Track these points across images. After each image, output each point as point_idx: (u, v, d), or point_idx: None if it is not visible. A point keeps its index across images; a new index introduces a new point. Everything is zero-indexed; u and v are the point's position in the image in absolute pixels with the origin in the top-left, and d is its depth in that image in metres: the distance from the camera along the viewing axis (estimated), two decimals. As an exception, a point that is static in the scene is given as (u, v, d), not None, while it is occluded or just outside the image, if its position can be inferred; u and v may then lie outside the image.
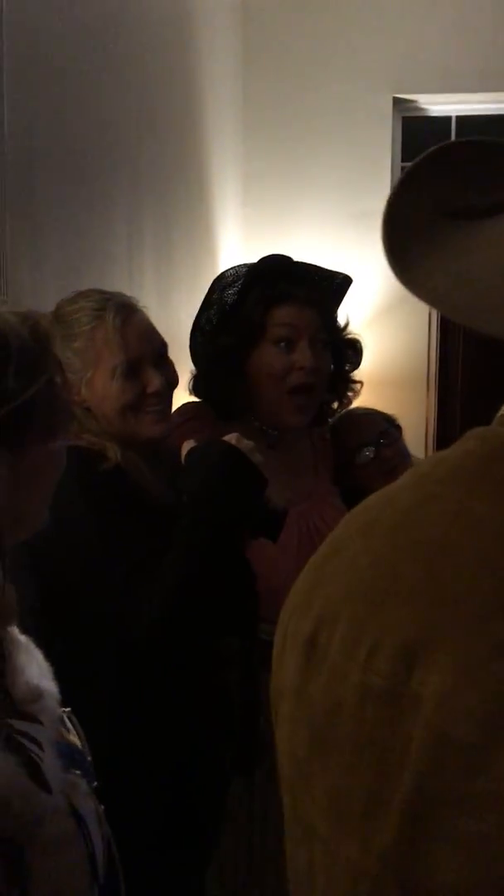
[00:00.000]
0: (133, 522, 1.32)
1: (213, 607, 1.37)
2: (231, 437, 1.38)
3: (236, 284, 1.72)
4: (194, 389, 1.71)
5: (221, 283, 1.76)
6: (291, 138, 3.95)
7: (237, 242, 3.91)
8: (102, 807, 0.89)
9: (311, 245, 3.90)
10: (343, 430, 1.96)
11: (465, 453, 0.55)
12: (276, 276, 1.71)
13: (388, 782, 0.48)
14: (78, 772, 0.85)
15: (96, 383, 1.36)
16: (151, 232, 2.58)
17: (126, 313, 1.39)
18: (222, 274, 1.78)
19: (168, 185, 2.78)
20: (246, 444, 1.36)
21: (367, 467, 1.88)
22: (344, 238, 3.82)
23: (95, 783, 0.90)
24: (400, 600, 0.50)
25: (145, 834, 1.34)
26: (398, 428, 2.00)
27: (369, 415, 2.02)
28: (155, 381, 1.38)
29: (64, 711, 0.93)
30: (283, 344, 1.64)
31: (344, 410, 1.95)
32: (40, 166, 1.76)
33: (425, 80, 3.90)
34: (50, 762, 0.78)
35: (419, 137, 4.10)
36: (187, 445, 1.40)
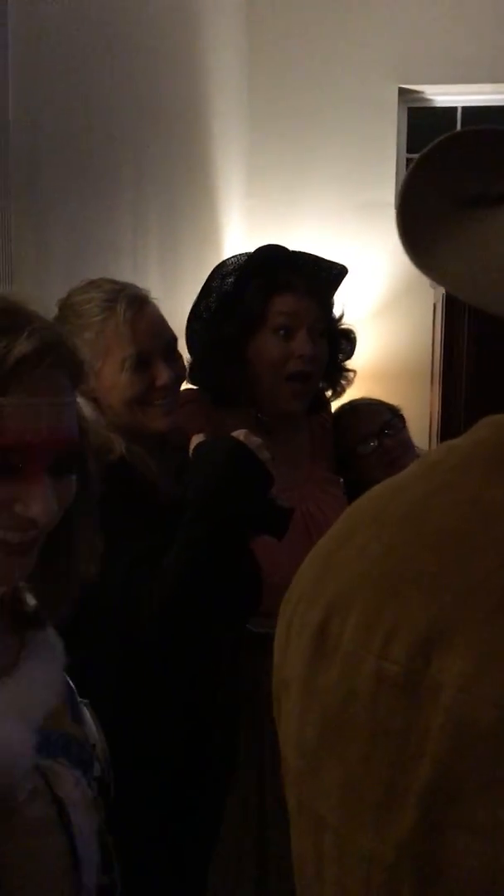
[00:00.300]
0: (136, 516, 1.32)
1: (216, 602, 1.37)
2: (240, 433, 1.38)
3: (236, 273, 1.73)
4: (191, 377, 1.70)
5: (221, 270, 1.76)
6: (296, 129, 3.94)
7: (242, 233, 3.91)
8: (100, 798, 0.89)
9: (316, 236, 3.90)
10: (346, 420, 1.96)
11: (478, 441, 0.55)
12: (277, 266, 1.72)
13: (404, 771, 0.47)
14: (64, 760, 0.84)
15: (105, 374, 1.36)
16: (156, 223, 2.58)
17: (137, 305, 1.39)
18: (223, 262, 1.78)
19: (173, 177, 2.78)
20: (254, 441, 1.36)
21: (369, 458, 1.88)
22: (349, 229, 3.82)
23: (98, 775, 0.90)
24: (415, 589, 0.50)
25: (145, 826, 1.35)
26: (402, 419, 2.00)
27: (373, 405, 2.02)
28: (164, 375, 1.39)
29: (82, 701, 0.94)
30: (282, 332, 1.66)
31: (349, 401, 1.96)
32: (45, 158, 1.76)
33: (430, 71, 3.89)
34: (16, 747, 0.77)
35: (424, 128, 4.09)
36: (196, 439, 1.40)
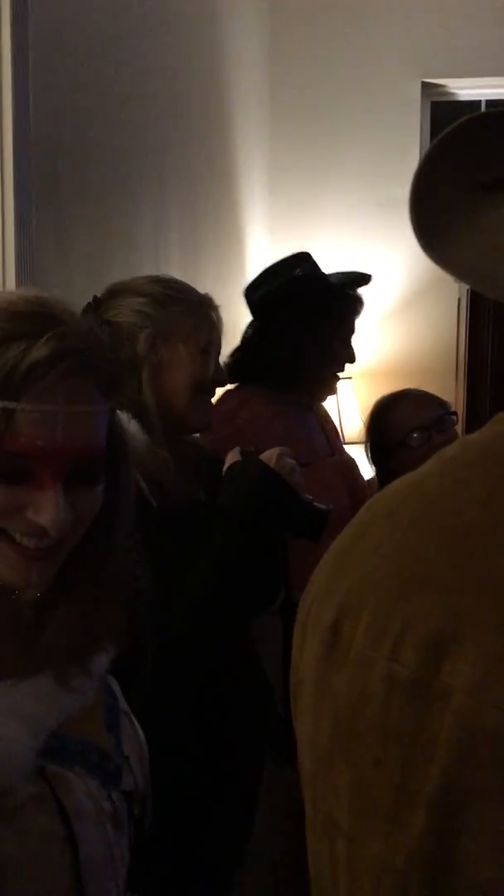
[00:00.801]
0: (152, 527, 1.33)
1: (243, 618, 1.39)
2: (272, 456, 1.40)
3: (330, 285, 1.98)
4: (258, 367, 1.91)
5: (310, 263, 2.00)
6: (318, 125, 3.92)
7: (264, 231, 3.89)
8: (128, 813, 0.86)
9: (339, 232, 3.88)
10: (399, 408, 1.94)
11: (494, 436, 0.54)
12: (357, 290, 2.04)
13: (415, 776, 0.47)
14: (79, 768, 0.82)
15: (186, 350, 1.40)
16: (177, 222, 2.57)
17: (218, 312, 1.49)
18: (315, 266, 2.01)
19: (194, 174, 2.77)
20: (286, 464, 1.39)
21: (415, 450, 1.85)
22: (371, 225, 3.80)
23: (129, 789, 0.87)
24: (427, 589, 0.49)
25: (177, 824, 1.34)
26: (454, 415, 1.98)
27: (426, 397, 2.01)
28: (223, 375, 1.49)
29: (124, 711, 0.92)
30: (348, 339, 2.00)
31: (399, 391, 2.06)
32: (66, 158, 1.76)
33: (454, 65, 3.85)
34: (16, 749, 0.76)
35: (448, 122, 4.05)
36: (231, 457, 1.42)
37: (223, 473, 1.41)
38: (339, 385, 2.12)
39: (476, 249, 0.54)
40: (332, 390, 2.05)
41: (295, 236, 3.96)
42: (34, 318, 0.77)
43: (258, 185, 3.79)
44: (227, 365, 1.84)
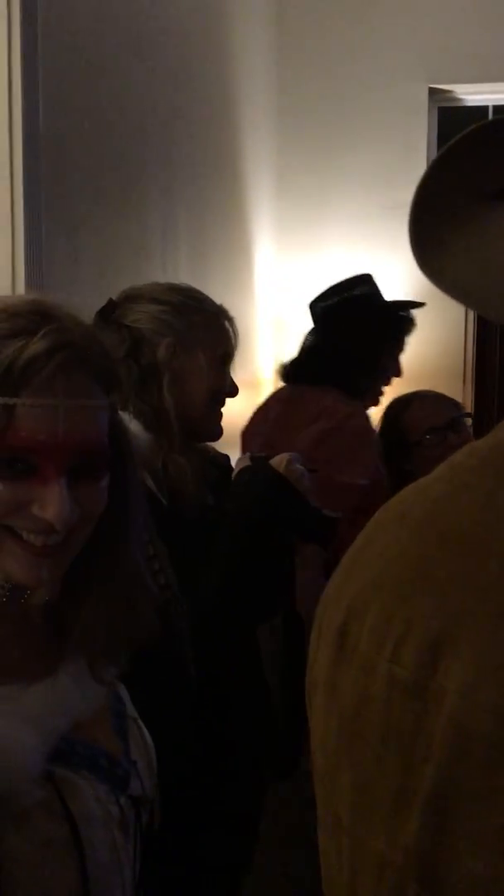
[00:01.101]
0: (166, 533, 1.33)
1: (248, 623, 1.40)
2: (281, 461, 1.41)
3: (398, 305, 2.21)
4: (315, 374, 2.08)
5: (371, 284, 2.23)
6: (326, 130, 3.93)
7: (271, 237, 3.90)
8: (136, 819, 0.86)
9: (347, 237, 3.88)
10: (416, 407, 1.95)
11: (497, 443, 0.54)
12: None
13: (412, 775, 0.47)
14: (88, 773, 0.81)
15: (205, 358, 1.39)
16: (186, 226, 2.58)
17: (233, 323, 1.50)
18: (370, 277, 2.24)
19: (202, 179, 2.78)
20: (295, 470, 1.41)
21: (431, 450, 1.85)
22: (379, 230, 3.80)
23: (137, 794, 0.87)
24: (426, 592, 0.50)
25: (180, 827, 1.34)
26: (470, 416, 2.00)
27: (442, 398, 2.04)
28: (235, 386, 1.48)
29: (131, 717, 0.92)
30: (398, 356, 2.24)
31: (413, 391, 2.16)
32: (75, 162, 1.77)
33: (461, 70, 3.86)
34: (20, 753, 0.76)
35: (455, 127, 4.06)
36: (241, 462, 1.44)
37: (233, 478, 1.42)
38: None
39: (468, 262, 0.54)
40: (377, 402, 2.19)
41: (303, 242, 3.97)
42: (31, 316, 0.78)
43: (266, 191, 3.80)
44: (284, 367, 2.13)
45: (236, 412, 2.99)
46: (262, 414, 2.31)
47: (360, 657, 0.53)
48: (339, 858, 0.54)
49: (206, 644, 1.32)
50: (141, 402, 1.34)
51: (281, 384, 2.26)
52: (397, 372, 2.19)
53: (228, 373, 1.48)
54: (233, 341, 1.47)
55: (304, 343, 2.24)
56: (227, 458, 1.53)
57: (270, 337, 4.01)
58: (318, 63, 3.90)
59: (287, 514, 1.39)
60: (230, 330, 1.46)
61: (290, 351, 4.08)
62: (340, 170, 3.91)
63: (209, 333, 1.42)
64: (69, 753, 0.81)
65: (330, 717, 0.55)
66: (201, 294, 1.48)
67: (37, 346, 0.76)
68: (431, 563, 0.50)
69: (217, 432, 1.47)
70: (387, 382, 2.19)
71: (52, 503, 0.77)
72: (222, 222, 3.07)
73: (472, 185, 0.57)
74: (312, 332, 2.23)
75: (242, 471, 1.42)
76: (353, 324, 2.05)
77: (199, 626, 1.30)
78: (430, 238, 0.57)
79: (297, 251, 3.98)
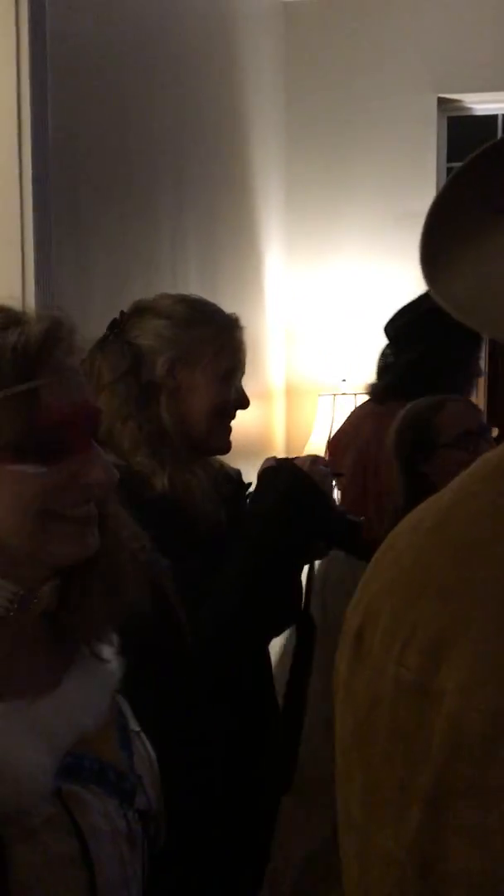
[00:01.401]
0: (177, 549, 1.32)
1: (267, 632, 1.38)
2: (305, 461, 1.41)
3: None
4: (402, 389, 2.14)
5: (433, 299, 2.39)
6: (335, 140, 3.93)
7: (281, 248, 3.90)
8: (143, 832, 0.85)
9: (357, 247, 3.88)
10: (447, 410, 1.94)
11: (499, 451, 0.56)
12: None
13: (414, 773, 0.49)
14: (95, 787, 0.81)
15: (206, 375, 1.37)
16: (195, 240, 2.58)
17: (243, 333, 1.47)
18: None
19: (211, 190, 2.78)
20: (319, 470, 1.40)
21: (461, 454, 1.83)
22: (388, 240, 3.79)
23: (144, 808, 0.86)
24: (431, 596, 0.51)
25: (189, 842, 1.33)
26: (496, 428, 2.02)
27: (473, 405, 2.08)
28: (246, 398, 1.45)
29: (134, 730, 0.91)
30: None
31: (440, 396, 2.10)
32: (84, 175, 1.77)
33: (469, 79, 3.86)
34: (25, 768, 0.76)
35: (465, 137, 4.05)
36: (267, 462, 1.44)
37: (257, 477, 1.41)
38: (357, 399, 2.22)
39: (470, 278, 0.54)
40: None
41: (313, 251, 3.97)
42: (7, 311, 0.81)
43: (275, 202, 3.80)
44: (374, 387, 2.21)
45: (248, 423, 2.99)
46: (353, 430, 2.40)
47: (372, 660, 0.55)
48: (351, 856, 0.56)
49: (226, 652, 1.30)
50: (143, 419, 1.33)
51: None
52: (481, 372, 2.35)
53: (239, 385, 1.45)
54: (241, 353, 1.44)
55: (386, 361, 2.35)
56: (239, 472, 1.52)
57: (281, 347, 4.00)
58: (326, 74, 3.91)
59: (309, 511, 1.37)
60: (238, 342, 1.44)
61: (302, 361, 4.09)
62: (349, 180, 3.91)
63: (212, 349, 1.39)
64: (77, 768, 0.80)
65: (346, 717, 0.57)
66: (209, 306, 1.45)
67: (38, 327, 0.79)
68: (438, 569, 0.52)
69: (224, 447, 1.45)
70: (470, 394, 2.36)
71: (95, 464, 0.80)
72: (232, 233, 3.07)
73: (485, 202, 0.58)
74: (395, 352, 2.32)
75: (266, 470, 1.42)
76: (446, 333, 2.06)
77: (219, 631, 1.28)
78: (437, 254, 0.58)
79: (307, 261, 3.98)
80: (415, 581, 0.54)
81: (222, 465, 1.50)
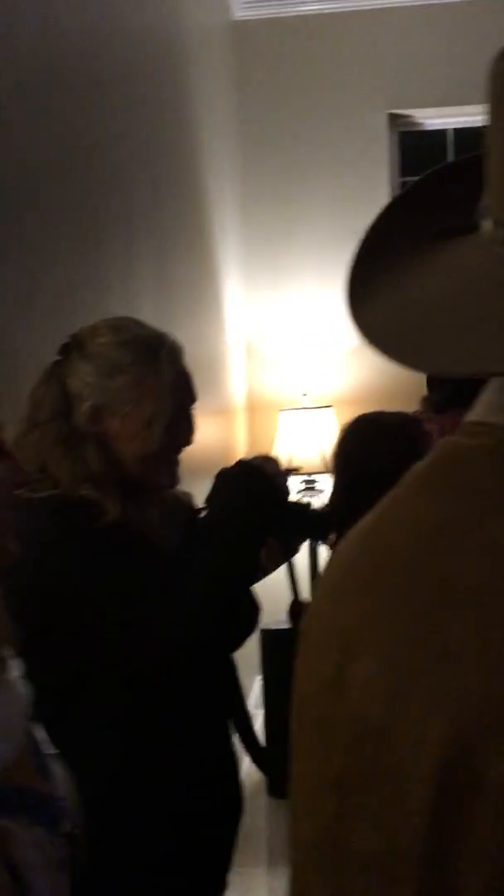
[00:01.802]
0: (131, 575, 1.31)
1: (231, 624, 1.39)
2: (257, 459, 1.43)
3: None
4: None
5: None
6: (289, 157, 3.96)
7: (239, 264, 3.91)
8: (71, 856, 0.85)
9: (313, 263, 3.90)
10: (385, 438, 1.96)
11: (431, 460, 0.59)
12: None
13: (328, 762, 0.53)
14: (23, 817, 0.80)
15: (129, 423, 1.35)
16: (148, 257, 2.57)
17: (177, 358, 1.40)
18: None
19: (164, 210, 2.78)
20: (272, 465, 1.42)
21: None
22: (344, 255, 3.80)
23: (68, 831, 0.86)
24: (349, 595, 0.55)
25: (150, 861, 1.31)
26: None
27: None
28: (191, 435, 1.42)
29: (48, 754, 0.91)
30: None
31: (369, 413, 2.11)
32: (28, 196, 1.75)
33: (420, 95, 3.91)
34: None
35: (416, 152, 4.10)
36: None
37: (214, 478, 1.43)
38: (320, 413, 2.18)
39: (387, 306, 0.55)
40: None
41: (270, 269, 3.98)
42: None
43: (231, 220, 3.81)
44: (431, 398, 2.07)
45: (209, 440, 2.98)
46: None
47: (308, 659, 0.59)
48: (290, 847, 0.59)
49: (196, 646, 1.30)
50: (76, 458, 1.32)
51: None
52: None
53: (184, 419, 1.40)
54: (173, 388, 1.37)
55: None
56: (190, 495, 1.51)
57: (242, 364, 4.00)
58: (278, 92, 3.94)
59: (263, 499, 1.39)
60: (170, 378, 1.37)
61: (262, 377, 4.10)
62: (304, 196, 3.94)
63: (131, 397, 1.34)
64: (2, 800, 0.80)
65: (292, 715, 0.61)
66: (139, 344, 1.37)
67: None
68: (360, 572, 0.56)
69: (168, 483, 1.41)
70: None
71: None
72: (187, 252, 3.07)
73: (415, 230, 0.59)
74: None
75: (221, 469, 1.44)
76: None
77: (189, 621, 1.29)
78: (366, 279, 0.59)
79: (266, 278, 3.99)
80: (341, 581, 0.57)
81: (170, 494, 1.48)
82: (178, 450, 1.40)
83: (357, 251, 0.60)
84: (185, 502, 1.48)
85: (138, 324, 1.43)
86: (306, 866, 0.55)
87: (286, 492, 1.44)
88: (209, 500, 1.40)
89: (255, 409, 4.02)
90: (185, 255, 3.03)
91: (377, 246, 0.59)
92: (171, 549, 1.35)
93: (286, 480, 1.45)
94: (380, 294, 0.56)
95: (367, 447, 1.94)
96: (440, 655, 0.47)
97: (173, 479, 1.42)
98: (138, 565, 1.31)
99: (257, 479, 1.38)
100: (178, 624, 1.28)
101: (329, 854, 0.52)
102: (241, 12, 3.91)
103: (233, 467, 1.43)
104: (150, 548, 1.34)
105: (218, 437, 3.41)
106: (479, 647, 0.46)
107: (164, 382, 1.35)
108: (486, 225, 0.53)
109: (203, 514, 1.41)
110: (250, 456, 1.51)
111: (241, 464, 1.43)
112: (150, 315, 2.41)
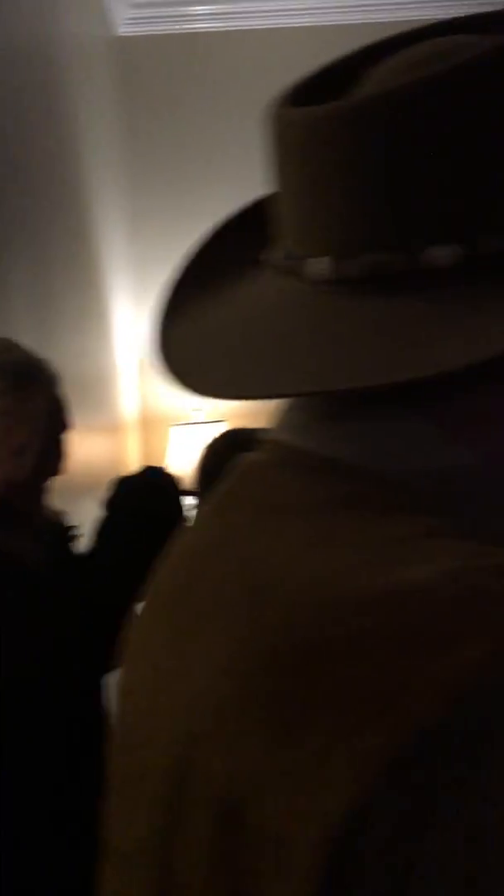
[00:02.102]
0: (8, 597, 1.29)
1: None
2: (141, 468, 1.50)
3: None
4: None
5: None
6: (178, 173, 3.97)
7: (128, 277, 3.89)
8: None
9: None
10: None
11: (223, 487, 0.59)
12: None
13: (144, 778, 0.51)
14: None
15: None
16: (24, 273, 2.52)
17: (52, 388, 1.38)
18: None
19: (43, 225, 2.73)
20: (156, 469, 1.50)
21: None
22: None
23: None
24: (173, 614, 0.55)
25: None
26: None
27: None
28: (61, 464, 1.43)
29: None
30: None
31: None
32: None
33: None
34: None
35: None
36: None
37: (116, 484, 1.46)
38: (213, 428, 2.18)
39: (183, 335, 0.55)
40: None
41: (161, 285, 3.97)
42: None
43: (119, 236, 3.78)
44: None
45: (98, 456, 2.93)
46: None
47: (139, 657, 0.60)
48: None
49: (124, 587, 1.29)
50: None
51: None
52: None
53: (58, 448, 1.39)
54: (38, 428, 1.35)
55: None
56: (61, 513, 1.49)
57: (134, 379, 3.97)
58: (166, 109, 3.94)
59: (156, 492, 1.44)
60: (41, 407, 1.35)
61: (155, 392, 4.08)
62: (195, 212, 3.95)
63: (6, 421, 1.31)
64: None
65: None
66: (16, 373, 1.35)
67: None
68: (153, 598, 0.57)
69: (35, 509, 1.40)
70: None
71: None
72: (71, 270, 3.02)
73: (235, 255, 0.59)
74: None
75: (113, 479, 1.48)
76: None
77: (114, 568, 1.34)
78: (177, 305, 0.58)
79: (157, 290, 3.98)
80: (148, 604, 0.59)
81: (41, 518, 1.46)
82: (47, 478, 1.38)
83: (177, 276, 0.60)
84: (55, 522, 1.46)
85: (12, 348, 1.39)
86: (123, 880, 0.55)
87: (176, 486, 1.51)
88: (111, 504, 1.43)
89: (149, 424, 4.00)
90: (69, 272, 2.99)
91: (201, 271, 0.59)
92: (43, 570, 1.33)
93: (173, 479, 1.51)
94: (184, 322, 0.56)
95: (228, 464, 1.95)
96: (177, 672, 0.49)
97: (42, 506, 1.40)
98: (11, 590, 1.29)
99: (149, 479, 1.46)
100: (97, 584, 1.35)
101: (151, 868, 0.52)
102: (124, 28, 3.90)
103: (140, 469, 1.48)
104: (22, 571, 1.31)
105: (108, 453, 3.37)
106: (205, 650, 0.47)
107: (38, 410, 1.32)
108: (277, 254, 0.54)
109: (105, 519, 1.44)
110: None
111: (133, 472, 1.48)
112: (30, 332, 2.37)
